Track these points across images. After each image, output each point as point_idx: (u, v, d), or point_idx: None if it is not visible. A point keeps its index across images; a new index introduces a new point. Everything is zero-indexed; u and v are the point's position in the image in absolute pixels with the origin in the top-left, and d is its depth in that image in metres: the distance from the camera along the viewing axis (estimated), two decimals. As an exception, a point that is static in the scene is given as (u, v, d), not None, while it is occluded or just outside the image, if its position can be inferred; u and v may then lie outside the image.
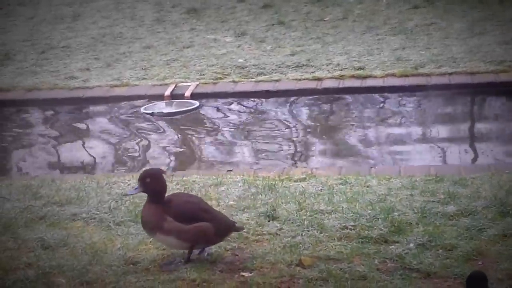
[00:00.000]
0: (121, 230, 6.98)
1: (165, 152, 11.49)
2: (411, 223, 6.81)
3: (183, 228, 6.20)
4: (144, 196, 6.44)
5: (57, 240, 6.77)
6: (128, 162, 11.09)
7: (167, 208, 6.25)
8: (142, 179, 6.34)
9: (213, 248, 6.47)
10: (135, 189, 6.44)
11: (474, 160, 10.46)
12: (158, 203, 6.25)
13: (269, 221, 7.04)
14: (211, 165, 10.68)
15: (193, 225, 6.23)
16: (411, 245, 6.38)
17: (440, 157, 10.57)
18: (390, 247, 6.38)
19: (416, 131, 11.64)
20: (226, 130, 12.14)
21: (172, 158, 11.33)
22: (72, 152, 11.70)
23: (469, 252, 6.20)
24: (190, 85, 13.29)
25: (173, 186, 8.29)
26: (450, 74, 12.96)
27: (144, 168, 6.52)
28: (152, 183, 6.30)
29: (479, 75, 12.93)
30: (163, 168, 9.10)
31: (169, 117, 12.64)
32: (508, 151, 10.77)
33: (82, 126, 12.99)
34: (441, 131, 11.55)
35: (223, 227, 6.39)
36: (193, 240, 6.25)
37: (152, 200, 6.30)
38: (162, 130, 12.37)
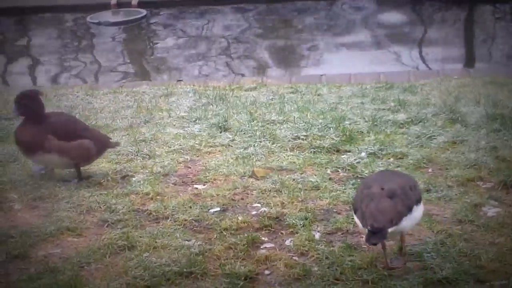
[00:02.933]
0: (72, 144, 6.90)
1: (114, 62, 11.36)
2: (362, 132, 6.84)
3: (66, 145, 6.14)
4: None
5: (7, 155, 6.66)
6: (77, 74, 10.94)
7: (47, 126, 6.17)
8: (18, 102, 6.22)
9: (165, 161, 6.44)
10: (14, 112, 6.33)
11: (423, 65, 10.52)
12: (36, 123, 6.16)
13: (221, 132, 7.02)
14: (161, 75, 10.59)
15: (75, 142, 6.19)
16: (363, 154, 6.41)
17: (390, 62, 10.60)
18: (342, 156, 6.40)
19: (368, 37, 11.64)
20: (175, 39, 12.01)
21: (121, 68, 11.21)
22: (19, 64, 11.51)
23: (419, 160, 6.24)
24: (137, -7, 13.08)
25: (123, 97, 8.22)
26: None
27: (20, 91, 6.34)
28: (29, 104, 6.19)
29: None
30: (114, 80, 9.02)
31: (116, 27, 12.46)
32: (457, 56, 10.84)
33: (27, 36, 12.75)
34: (392, 36, 11.56)
35: (101, 144, 6.39)
36: (76, 157, 6.19)
37: (30, 121, 6.19)
38: (109, 40, 12.20)
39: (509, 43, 11.34)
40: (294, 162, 6.30)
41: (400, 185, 4.66)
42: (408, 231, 5.08)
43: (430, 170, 6.10)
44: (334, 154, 6.47)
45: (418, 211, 4.72)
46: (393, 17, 12.47)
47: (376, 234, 4.44)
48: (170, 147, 6.71)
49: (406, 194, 4.63)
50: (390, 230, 4.49)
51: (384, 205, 4.53)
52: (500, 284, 4.48)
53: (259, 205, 5.66)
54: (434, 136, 6.68)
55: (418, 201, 4.71)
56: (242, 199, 5.78)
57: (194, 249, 5.05)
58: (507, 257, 4.76)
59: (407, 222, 4.62)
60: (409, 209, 4.60)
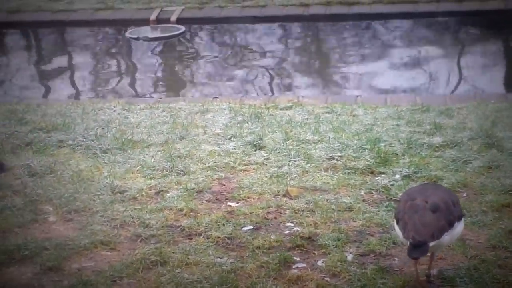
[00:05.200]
0: (107, 158, 6.95)
1: (151, 78, 11.43)
2: (397, 154, 6.81)
3: None
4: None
5: (44, 168, 6.72)
6: (115, 88, 11.02)
7: None
8: None
9: (199, 178, 6.46)
10: None
11: (460, 89, 10.47)
12: None
13: (255, 150, 7.03)
14: (197, 92, 10.64)
15: None
16: (397, 176, 6.39)
17: (427, 86, 10.57)
18: (376, 178, 6.39)
19: (404, 59, 11.61)
20: (212, 56, 12.06)
21: (158, 84, 11.28)
22: (57, 77, 11.62)
23: (454, 184, 6.21)
24: (175, 10, 13.17)
25: (159, 113, 8.27)
26: (438, 1, 12.90)
27: None
28: None
29: (466, 2, 12.88)
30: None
31: (155, 42, 12.55)
32: (494, 80, 10.78)
33: (66, 50, 12.87)
34: (428, 60, 11.53)
35: None
36: None
37: None
38: (148, 55, 12.29)
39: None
40: (328, 183, 6.30)
41: (443, 199, 4.71)
42: (441, 255, 5.07)
43: (465, 194, 6.07)
44: (368, 175, 6.46)
45: (459, 227, 4.76)
46: (432, 39, 12.43)
47: (417, 248, 4.48)
48: (205, 164, 6.74)
49: (449, 209, 4.67)
50: (431, 244, 4.52)
51: (427, 219, 4.57)
52: (533, 312, 4.45)
53: (292, 224, 5.66)
54: (469, 160, 6.64)
55: (459, 217, 4.76)
56: (275, 218, 5.79)
57: (226, 266, 5.07)
58: (541, 285, 4.73)
59: (448, 237, 4.66)
60: (451, 225, 4.65)
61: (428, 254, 4.75)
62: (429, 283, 4.82)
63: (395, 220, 4.80)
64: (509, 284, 4.75)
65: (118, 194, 6.23)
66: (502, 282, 4.78)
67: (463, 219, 4.83)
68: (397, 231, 4.73)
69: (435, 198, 4.69)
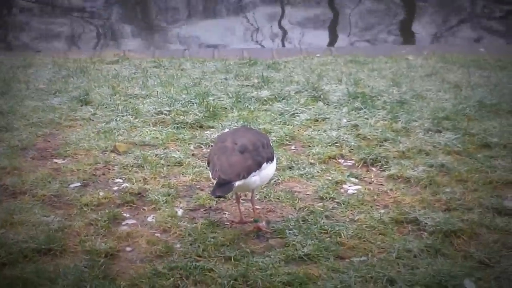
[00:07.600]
0: None
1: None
2: (226, 108, 6.82)
3: None
4: None
5: None
6: None
7: None
8: None
9: (23, 134, 6.23)
10: None
11: (287, 43, 10.60)
12: None
13: (82, 105, 6.86)
14: (18, 46, 10.27)
15: None
16: (226, 130, 6.38)
17: (253, 39, 10.63)
18: (205, 132, 6.37)
19: (229, 12, 11.62)
20: (31, 7, 11.67)
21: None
22: None
23: (282, 137, 6.26)
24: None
25: (-22, 68, 7.95)
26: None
27: None
28: None
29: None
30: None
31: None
32: (319, 34, 10.96)
33: None
34: (254, 12, 11.59)
35: None
36: None
37: None
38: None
39: (371, 22, 11.56)
40: (157, 138, 6.22)
41: (252, 141, 4.78)
42: (270, 207, 5.12)
43: (293, 147, 6.13)
44: (197, 130, 6.43)
45: (269, 168, 4.82)
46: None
47: (221, 186, 4.54)
48: (28, 120, 6.53)
49: (257, 150, 4.75)
50: (237, 184, 4.57)
51: (234, 159, 4.63)
52: (359, 261, 4.55)
53: (120, 180, 5.56)
54: (297, 113, 6.72)
55: (269, 159, 4.81)
56: (104, 174, 5.66)
57: (53, 225, 4.91)
58: (366, 234, 4.83)
59: (257, 178, 4.72)
60: (259, 165, 4.72)
61: (244, 195, 4.81)
62: (258, 236, 4.84)
63: (206, 162, 4.85)
64: (336, 234, 4.83)
65: None
66: (329, 232, 4.85)
67: (275, 161, 4.90)
68: (209, 172, 4.78)
69: (244, 140, 4.77)
